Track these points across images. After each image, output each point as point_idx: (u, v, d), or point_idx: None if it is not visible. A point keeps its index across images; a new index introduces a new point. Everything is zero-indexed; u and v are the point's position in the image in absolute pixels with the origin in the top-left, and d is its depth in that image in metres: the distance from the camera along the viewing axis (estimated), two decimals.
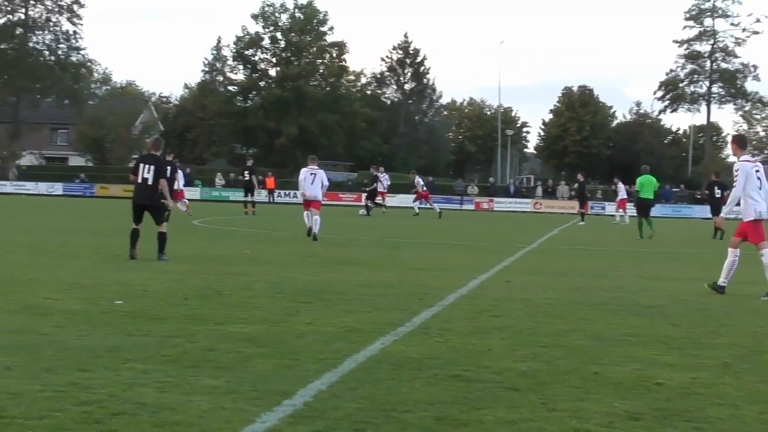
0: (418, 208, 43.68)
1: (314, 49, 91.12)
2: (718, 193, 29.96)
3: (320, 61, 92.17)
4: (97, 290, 10.87)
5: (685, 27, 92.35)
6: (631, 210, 38.56)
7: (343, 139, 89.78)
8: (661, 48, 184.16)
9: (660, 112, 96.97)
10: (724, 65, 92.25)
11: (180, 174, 28.77)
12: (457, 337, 8.31)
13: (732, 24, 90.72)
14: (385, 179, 44.80)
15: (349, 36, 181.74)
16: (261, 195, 50.36)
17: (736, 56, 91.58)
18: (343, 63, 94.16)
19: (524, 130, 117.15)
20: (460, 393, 6.07)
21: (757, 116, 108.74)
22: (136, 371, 6.41)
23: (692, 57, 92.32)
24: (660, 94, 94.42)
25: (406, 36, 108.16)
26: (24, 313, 9.01)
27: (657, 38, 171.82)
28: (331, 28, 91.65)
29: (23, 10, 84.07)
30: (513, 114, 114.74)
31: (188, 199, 34.86)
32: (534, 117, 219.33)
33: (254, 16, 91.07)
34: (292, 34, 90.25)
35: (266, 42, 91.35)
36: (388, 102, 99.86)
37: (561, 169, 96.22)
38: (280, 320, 8.99)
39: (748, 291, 12.91)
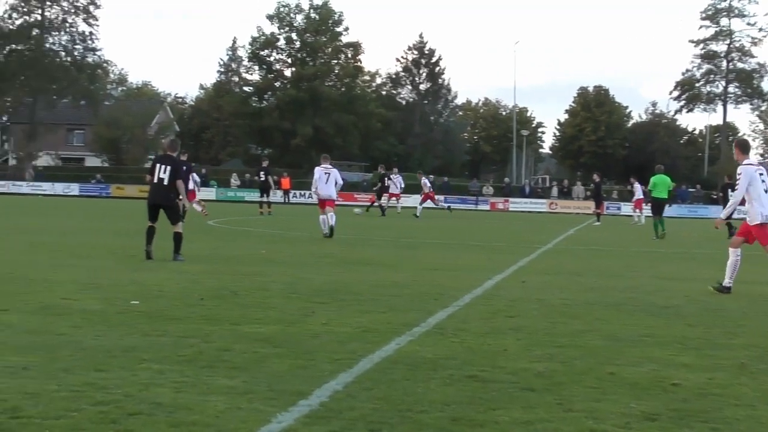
0: (420, 212, 42.55)
1: (329, 49, 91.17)
2: (731, 195, 29.82)
3: (335, 61, 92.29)
4: (113, 290, 10.90)
5: (701, 27, 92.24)
6: (647, 210, 38.40)
7: (358, 140, 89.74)
8: (677, 48, 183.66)
9: (676, 112, 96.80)
10: (740, 65, 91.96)
11: (194, 176, 28.80)
12: (472, 337, 8.30)
13: (748, 24, 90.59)
14: (398, 180, 44.62)
15: (365, 36, 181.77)
16: (276, 195, 50.38)
17: (752, 56, 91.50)
18: (359, 63, 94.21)
19: (539, 130, 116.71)
20: (475, 393, 6.06)
21: None
22: (153, 371, 6.43)
23: (708, 57, 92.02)
24: (676, 94, 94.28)
25: (421, 36, 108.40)
26: (41, 313, 9.05)
27: (673, 38, 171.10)
28: (347, 29, 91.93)
29: (39, 11, 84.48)
30: (528, 114, 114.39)
31: (203, 200, 34.93)
32: (549, 117, 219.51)
33: (269, 17, 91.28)
34: (308, 35, 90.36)
35: (281, 42, 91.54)
36: (403, 102, 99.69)
37: (576, 170, 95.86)
38: (296, 320, 8.99)
39: (765, 292, 12.85)
